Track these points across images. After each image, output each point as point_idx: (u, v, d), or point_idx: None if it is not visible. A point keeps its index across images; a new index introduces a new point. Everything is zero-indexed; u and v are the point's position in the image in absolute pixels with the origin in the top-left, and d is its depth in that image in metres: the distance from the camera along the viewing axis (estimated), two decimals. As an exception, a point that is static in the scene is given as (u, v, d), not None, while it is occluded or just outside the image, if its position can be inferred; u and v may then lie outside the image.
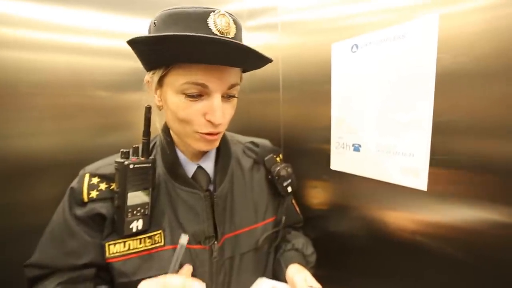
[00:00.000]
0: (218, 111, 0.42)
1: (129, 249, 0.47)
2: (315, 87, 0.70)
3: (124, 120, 0.75)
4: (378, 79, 0.52)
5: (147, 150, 0.48)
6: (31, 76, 0.62)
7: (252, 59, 0.43)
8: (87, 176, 0.48)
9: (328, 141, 0.67)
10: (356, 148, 0.60)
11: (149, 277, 0.43)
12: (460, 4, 0.40)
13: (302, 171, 0.73)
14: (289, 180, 0.61)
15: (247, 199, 0.57)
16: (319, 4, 0.67)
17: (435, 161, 0.46)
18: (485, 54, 0.39)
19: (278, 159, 0.64)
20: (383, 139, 0.53)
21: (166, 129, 0.54)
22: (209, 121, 0.43)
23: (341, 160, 0.65)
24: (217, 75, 0.42)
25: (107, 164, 0.50)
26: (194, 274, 0.49)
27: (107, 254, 0.47)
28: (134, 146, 0.48)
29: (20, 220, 0.63)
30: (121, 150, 0.47)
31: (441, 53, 0.42)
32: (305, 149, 0.76)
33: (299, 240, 0.64)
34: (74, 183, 0.49)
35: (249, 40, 0.94)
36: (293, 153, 0.78)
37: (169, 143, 0.52)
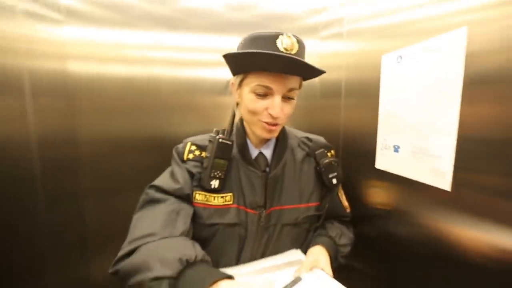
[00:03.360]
0: (277, 107, 0.56)
1: (207, 201, 0.63)
2: (372, 92, 0.77)
3: (214, 115, 1.02)
4: (416, 87, 0.58)
5: (229, 133, 0.65)
6: (164, 85, 0.97)
7: (306, 70, 0.55)
8: (188, 144, 0.67)
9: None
10: (396, 149, 0.66)
11: (217, 223, 0.60)
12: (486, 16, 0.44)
13: (357, 170, 0.82)
14: (335, 173, 0.68)
15: (295, 184, 0.68)
16: (376, 14, 0.75)
17: (459, 164, 0.49)
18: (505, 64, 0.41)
19: (329, 154, 0.72)
20: (417, 142, 0.58)
21: (241, 122, 0.69)
22: (270, 114, 0.57)
23: (384, 160, 0.71)
24: (279, 81, 0.55)
25: (201, 139, 0.68)
26: (245, 232, 0.63)
27: (193, 199, 0.63)
28: (222, 128, 0.66)
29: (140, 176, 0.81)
30: (215, 129, 0.66)
31: (468, 63, 0.47)
32: (362, 151, 0.81)
33: (335, 230, 0.71)
34: (179, 146, 0.68)
35: (323, 47, 1.07)
36: (351, 153, 0.87)
37: (241, 132, 0.68)
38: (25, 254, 0.78)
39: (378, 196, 0.76)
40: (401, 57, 0.62)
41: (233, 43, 0.99)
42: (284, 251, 0.66)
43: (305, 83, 0.65)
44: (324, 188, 0.70)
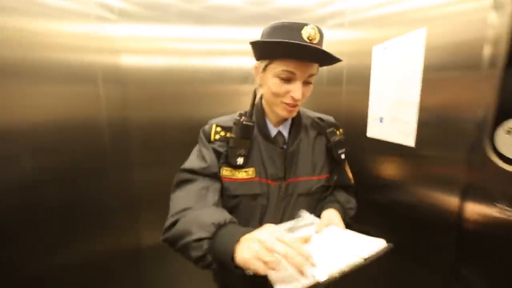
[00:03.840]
0: (299, 91, 0.62)
1: (233, 175, 0.70)
2: (366, 77, 0.96)
3: (237, 101, 1.23)
4: (394, 72, 0.77)
5: (251, 114, 0.73)
6: (196, 74, 1.18)
7: (327, 59, 0.62)
8: (214, 125, 0.73)
9: (366, 115, 0.94)
10: (381, 120, 0.86)
11: (242, 195, 0.69)
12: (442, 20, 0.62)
13: (354, 140, 1.02)
14: (343, 149, 0.76)
15: (308, 158, 0.75)
16: (370, 7, 0.92)
17: (420, 127, 0.70)
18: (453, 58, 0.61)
19: (338, 132, 0.79)
20: (394, 113, 0.79)
21: (261, 104, 0.75)
22: (292, 96, 0.63)
23: (373, 130, 0.92)
24: (302, 68, 0.61)
25: (226, 120, 0.74)
26: (267, 201, 0.70)
27: (221, 174, 0.70)
28: (244, 111, 0.73)
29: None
30: (239, 112, 0.72)
31: (426, 55, 0.66)
32: (358, 124, 1.01)
33: (343, 196, 0.79)
34: (205, 127, 0.74)
35: (330, 35, 1.23)
36: (351, 130, 1.06)
37: (261, 113, 0.74)
38: (90, 211, 0.99)
39: (369, 158, 0.97)
40: (385, 48, 0.81)
41: (253, 34, 1.17)
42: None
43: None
44: (333, 162, 0.77)
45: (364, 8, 0.98)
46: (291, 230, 0.66)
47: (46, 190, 0.81)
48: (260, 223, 0.69)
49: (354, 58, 1.05)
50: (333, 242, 0.59)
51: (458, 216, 0.60)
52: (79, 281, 0.93)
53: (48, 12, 0.82)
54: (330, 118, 0.83)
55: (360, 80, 0.98)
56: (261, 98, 0.75)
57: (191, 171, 0.69)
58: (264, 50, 0.65)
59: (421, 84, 0.68)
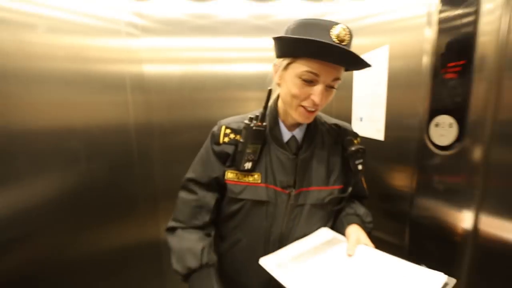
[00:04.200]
0: (319, 95, 0.57)
1: (238, 179, 0.67)
2: (350, 83, 1.12)
3: (243, 106, 1.42)
4: (370, 80, 0.94)
5: (263, 118, 0.66)
6: (206, 81, 1.37)
7: (355, 63, 0.57)
8: (223, 127, 0.70)
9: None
10: (361, 119, 1.03)
11: (247, 199, 0.66)
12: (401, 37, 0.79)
13: None
14: (361, 160, 0.71)
15: (322, 167, 0.70)
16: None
17: (387, 124, 0.87)
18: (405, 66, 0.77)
19: (355, 141, 0.74)
20: (370, 113, 0.95)
21: (275, 105, 0.70)
22: (312, 100, 0.58)
23: (355, 128, 1.08)
24: (328, 70, 0.56)
25: (236, 121, 0.70)
26: (274, 209, 0.67)
27: (226, 177, 0.68)
28: (256, 114, 0.67)
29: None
30: (249, 116, 0.67)
31: (389, 66, 0.82)
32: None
33: (361, 209, 0.76)
34: (215, 129, 0.71)
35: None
36: None
37: (275, 116, 0.70)
38: (120, 198, 1.16)
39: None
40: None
41: (256, 43, 1.36)
42: (311, 229, 0.70)
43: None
44: (349, 173, 0.72)
45: (350, 19, 1.14)
46: (315, 250, 0.62)
47: (85, 179, 0.98)
48: (267, 234, 0.68)
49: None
50: (377, 271, 0.54)
51: (410, 187, 0.77)
52: (104, 265, 1.09)
53: (88, 30, 1.02)
54: (348, 126, 0.79)
55: (346, 86, 1.15)
56: (276, 98, 0.71)
57: (194, 181, 0.71)
58: (288, 47, 0.60)
59: (386, 89, 0.84)
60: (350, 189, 0.71)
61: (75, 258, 0.92)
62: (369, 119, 0.96)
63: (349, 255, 0.59)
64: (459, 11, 0.56)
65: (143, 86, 1.30)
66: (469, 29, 0.54)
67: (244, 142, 0.65)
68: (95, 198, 1.03)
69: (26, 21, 0.75)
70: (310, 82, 0.58)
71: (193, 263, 0.62)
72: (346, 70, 0.63)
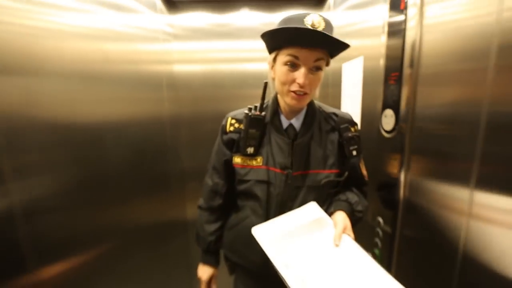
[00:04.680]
0: (303, 77, 0.65)
1: (244, 163, 0.78)
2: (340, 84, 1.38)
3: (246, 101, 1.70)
4: (352, 83, 1.21)
5: (261, 107, 0.77)
6: (225, 79, 1.67)
7: (330, 43, 0.63)
8: (229, 118, 0.82)
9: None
10: (345, 112, 1.30)
11: (251, 180, 0.77)
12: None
13: None
14: (355, 146, 0.77)
15: (319, 152, 0.76)
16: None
17: (362, 117, 1.14)
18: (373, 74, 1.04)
19: (352, 129, 0.79)
20: (352, 108, 1.23)
21: (275, 96, 0.79)
22: (298, 83, 0.66)
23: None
24: (306, 52, 0.64)
25: (241, 113, 0.81)
26: (273, 188, 0.75)
27: (233, 161, 0.80)
28: (255, 105, 0.77)
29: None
30: (248, 106, 0.78)
31: (364, 72, 1.09)
32: None
33: (354, 196, 0.79)
34: (223, 121, 0.83)
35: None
36: None
37: (275, 106, 0.78)
38: (154, 178, 1.42)
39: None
40: (348, 66, 1.24)
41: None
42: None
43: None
44: (345, 159, 0.78)
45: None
46: (304, 230, 0.68)
47: (133, 159, 1.23)
48: (267, 207, 0.77)
49: (334, 73, 1.49)
50: (352, 271, 0.60)
51: (375, 168, 1.04)
52: (135, 237, 1.24)
53: (135, 38, 1.33)
54: (346, 114, 0.83)
55: (337, 85, 1.42)
56: (277, 92, 0.79)
57: (211, 168, 0.88)
58: (272, 41, 0.69)
59: (361, 90, 1.12)
60: (346, 173, 0.78)
61: (119, 228, 1.13)
62: (352, 114, 1.24)
63: (336, 245, 0.65)
64: (399, 20, 0.79)
65: (174, 84, 1.62)
66: (400, 42, 0.79)
67: (245, 129, 0.76)
68: (139, 175, 1.27)
69: (105, 35, 1.07)
70: (293, 66, 0.66)
71: (202, 246, 0.90)
72: (331, 55, 0.71)
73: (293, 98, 0.69)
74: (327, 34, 0.59)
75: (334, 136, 0.79)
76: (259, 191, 0.76)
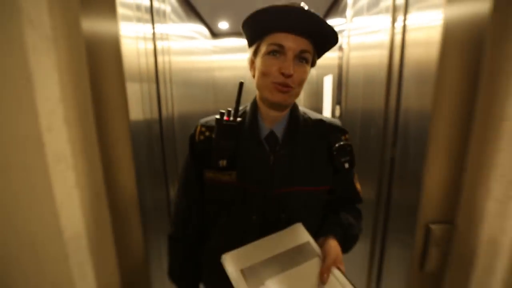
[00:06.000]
0: (289, 66, 0.55)
1: (216, 178, 0.65)
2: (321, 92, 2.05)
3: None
4: (327, 90, 1.89)
5: (236, 113, 0.63)
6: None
7: (313, 25, 0.55)
8: (199, 126, 0.68)
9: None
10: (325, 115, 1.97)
11: (221, 200, 0.65)
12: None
13: None
14: (347, 158, 0.66)
15: (306, 165, 0.65)
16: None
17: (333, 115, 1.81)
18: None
19: (343, 138, 0.68)
20: (326, 111, 1.90)
21: (255, 100, 0.68)
22: (282, 73, 0.56)
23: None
24: (291, 40, 0.56)
25: (212, 119, 0.68)
26: (251, 208, 0.64)
27: (204, 177, 0.67)
28: (228, 109, 0.63)
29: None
30: (220, 110, 0.62)
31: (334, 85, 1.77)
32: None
33: (348, 218, 0.69)
34: (192, 130, 0.69)
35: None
36: None
37: (254, 110, 0.67)
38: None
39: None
40: (326, 79, 1.92)
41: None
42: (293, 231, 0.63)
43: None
44: (336, 172, 0.67)
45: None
46: (286, 258, 0.56)
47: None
48: (242, 238, 0.60)
49: (315, 84, 2.18)
50: None
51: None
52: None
53: (199, 51, 2.08)
54: (335, 121, 0.73)
55: (321, 93, 2.11)
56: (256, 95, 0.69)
57: (183, 185, 0.72)
58: (252, 31, 0.61)
59: (331, 96, 1.79)
60: (338, 189, 0.70)
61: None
62: (328, 114, 1.91)
63: (322, 283, 0.53)
64: (341, 56, 1.50)
65: (215, 85, 2.39)
66: (340, 70, 1.48)
67: (215, 138, 0.63)
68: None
69: (187, 50, 1.82)
70: (276, 54, 0.57)
71: (175, 280, 0.76)
72: (318, 53, 0.63)
73: (277, 91, 0.59)
74: (308, 10, 0.54)
75: (323, 146, 0.68)
76: (232, 213, 0.66)
